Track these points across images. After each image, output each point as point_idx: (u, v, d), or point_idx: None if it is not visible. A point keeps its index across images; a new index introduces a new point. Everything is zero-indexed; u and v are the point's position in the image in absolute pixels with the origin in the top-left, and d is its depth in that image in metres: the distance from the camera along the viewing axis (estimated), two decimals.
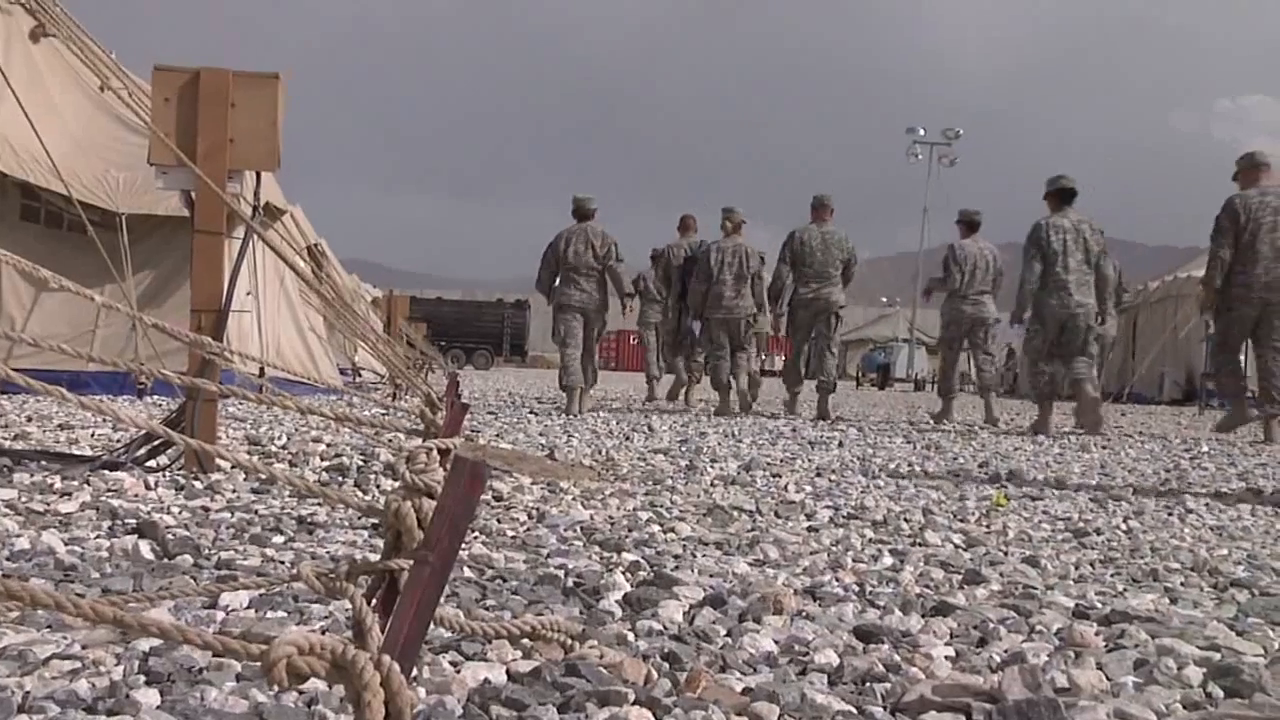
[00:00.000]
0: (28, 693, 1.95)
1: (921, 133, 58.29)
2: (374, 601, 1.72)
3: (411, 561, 1.40)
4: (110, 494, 4.45)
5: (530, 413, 12.08)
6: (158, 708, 1.89)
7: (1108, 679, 2.38)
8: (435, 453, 1.89)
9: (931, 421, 13.33)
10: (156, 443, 5.43)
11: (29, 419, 8.06)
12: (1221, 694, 2.27)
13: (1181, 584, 3.58)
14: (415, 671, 2.14)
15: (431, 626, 2.42)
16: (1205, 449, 10.03)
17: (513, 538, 3.92)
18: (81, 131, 11.34)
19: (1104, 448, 9.67)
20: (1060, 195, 11.88)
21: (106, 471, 5.00)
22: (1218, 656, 2.54)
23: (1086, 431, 11.23)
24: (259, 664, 1.26)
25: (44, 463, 5.21)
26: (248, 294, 11.69)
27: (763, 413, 14.21)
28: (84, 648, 2.26)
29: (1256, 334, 10.19)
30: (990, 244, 13.90)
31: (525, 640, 2.34)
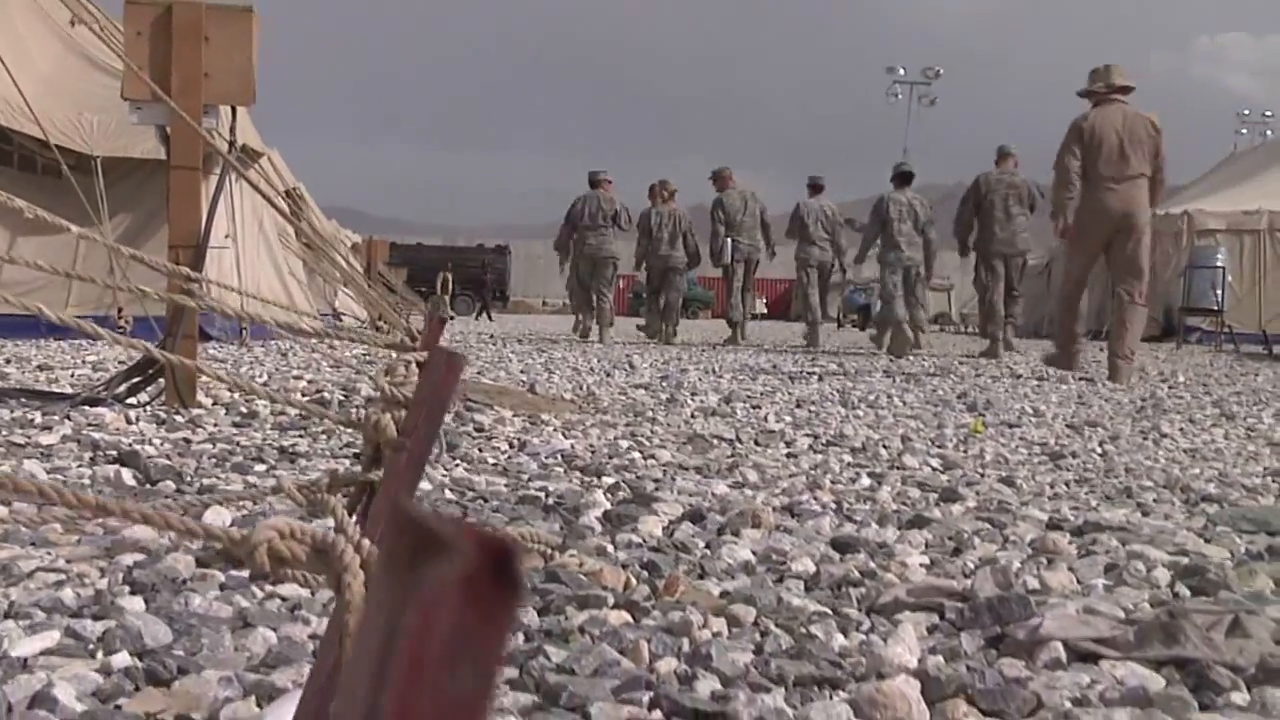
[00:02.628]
0: (13, 601, 1.98)
1: (901, 72, 58.09)
2: (354, 517, 1.74)
3: None
4: (91, 428, 4.46)
5: (510, 352, 12.10)
6: (143, 612, 1.92)
7: (1078, 581, 2.42)
8: (414, 365, 1.91)
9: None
10: (137, 379, 5.43)
11: (7, 361, 8.04)
12: (1188, 593, 2.32)
13: (1154, 500, 3.63)
14: None
15: None
16: (1181, 380, 10.11)
17: (494, 465, 3.94)
18: (52, 72, 11.24)
19: (1081, 379, 9.73)
20: (900, 177, 14.80)
21: (87, 407, 5.00)
22: (1185, 561, 2.58)
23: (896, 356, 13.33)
24: (239, 550, 1.28)
25: (23, 400, 5.21)
26: (226, 237, 11.65)
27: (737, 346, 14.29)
28: (69, 562, 2.29)
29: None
30: (831, 202, 16.67)
31: None
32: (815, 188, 16.64)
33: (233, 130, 5.58)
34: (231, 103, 5.41)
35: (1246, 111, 43.69)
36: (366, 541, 1.37)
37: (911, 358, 13.20)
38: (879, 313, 15.18)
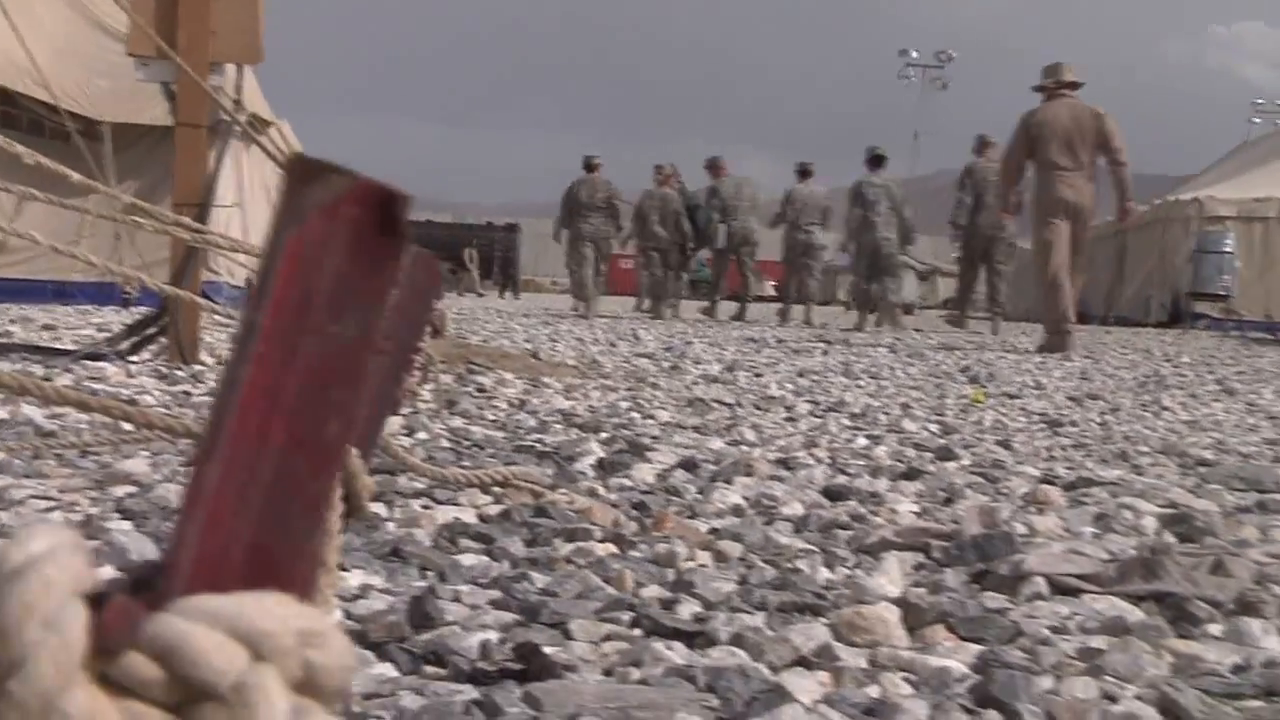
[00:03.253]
0: (3, 524, 1.99)
1: (914, 55, 57.88)
2: None
3: None
4: (92, 380, 4.48)
5: (516, 324, 12.12)
6: (132, 531, 1.93)
7: (1067, 530, 2.43)
8: None
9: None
10: (140, 336, 5.45)
11: (12, 321, 8.07)
12: (1175, 540, 2.33)
13: (1150, 464, 3.63)
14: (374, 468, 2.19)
15: (403, 475, 2.47)
16: (1185, 359, 10.10)
17: (493, 420, 3.96)
18: (62, 38, 11.24)
19: (1085, 357, 9.72)
20: (874, 160, 15.47)
21: (89, 362, 5.02)
22: (1174, 512, 2.59)
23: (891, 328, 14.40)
24: None
25: (26, 355, 5.23)
26: (234, 205, 11.65)
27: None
28: (61, 492, 2.30)
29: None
30: (820, 186, 17.57)
31: (496, 488, 2.38)
32: (804, 173, 17.30)
33: (239, 89, 5.59)
34: (238, 60, 5.41)
35: (1261, 101, 43.44)
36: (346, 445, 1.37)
37: (895, 332, 13.92)
38: (853, 291, 16.42)
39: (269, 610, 0.31)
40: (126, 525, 2.00)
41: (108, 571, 1.68)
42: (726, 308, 18.07)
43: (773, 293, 25.72)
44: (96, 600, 0.31)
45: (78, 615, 0.30)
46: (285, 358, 0.30)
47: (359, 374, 0.31)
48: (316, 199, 0.29)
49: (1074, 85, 10.31)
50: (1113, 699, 1.41)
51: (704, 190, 17.58)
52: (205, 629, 0.30)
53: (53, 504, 2.19)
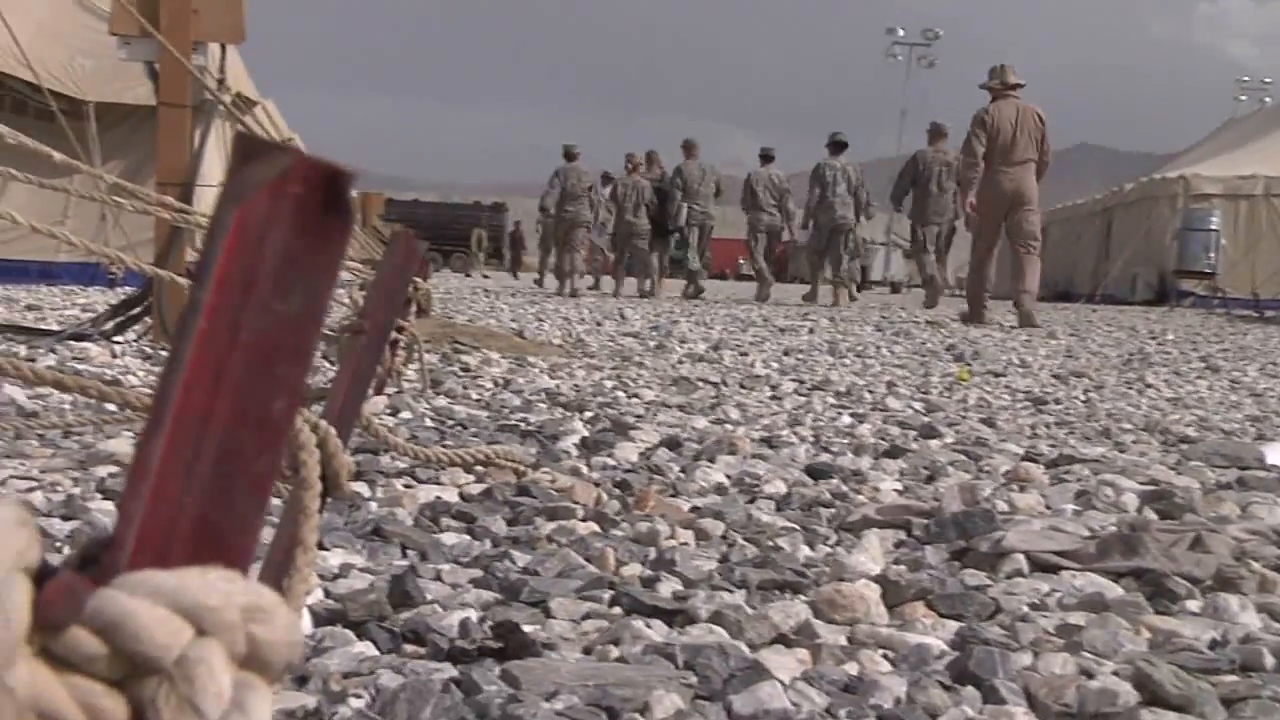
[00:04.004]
0: None
1: (901, 33, 57.77)
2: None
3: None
4: (76, 361, 4.47)
5: (503, 304, 12.11)
6: (113, 511, 1.93)
7: (1048, 507, 2.44)
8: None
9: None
10: (124, 316, 5.43)
11: None
12: (1155, 517, 2.34)
13: (1133, 441, 3.64)
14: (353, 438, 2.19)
15: (385, 455, 2.47)
16: (1170, 337, 10.13)
17: (477, 400, 3.96)
18: (45, 17, 11.18)
19: (1071, 335, 9.74)
20: (834, 145, 16.77)
21: (73, 342, 5.01)
22: (1155, 489, 2.60)
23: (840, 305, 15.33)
24: None
25: (10, 335, 5.22)
26: (219, 184, 11.61)
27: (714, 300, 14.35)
28: (43, 472, 2.30)
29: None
30: (780, 171, 18.17)
31: (479, 467, 2.38)
32: (765, 158, 18.25)
33: (222, 69, 5.56)
34: (221, 40, 5.39)
35: (1246, 78, 43.45)
36: (323, 423, 1.38)
37: (846, 306, 14.80)
38: (809, 264, 17.75)
39: (213, 585, 0.31)
40: (108, 505, 2.01)
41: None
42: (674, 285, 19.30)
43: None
44: (41, 576, 0.31)
45: (20, 590, 0.30)
46: (229, 334, 0.31)
47: (305, 351, 0.32)
48: (260, 176, 0.29)
49: (1017, 86, 11.24)
50: (1090, 675, 1.41)
51: (671, 170, 18.41)
52: (148, 604, 0.30)
53: (34, 484, 2.19)
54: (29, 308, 7.56)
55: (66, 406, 3.31)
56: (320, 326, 0.31)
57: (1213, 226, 19.96)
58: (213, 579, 0.31)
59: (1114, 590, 1.78)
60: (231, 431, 0.31)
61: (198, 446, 0.31)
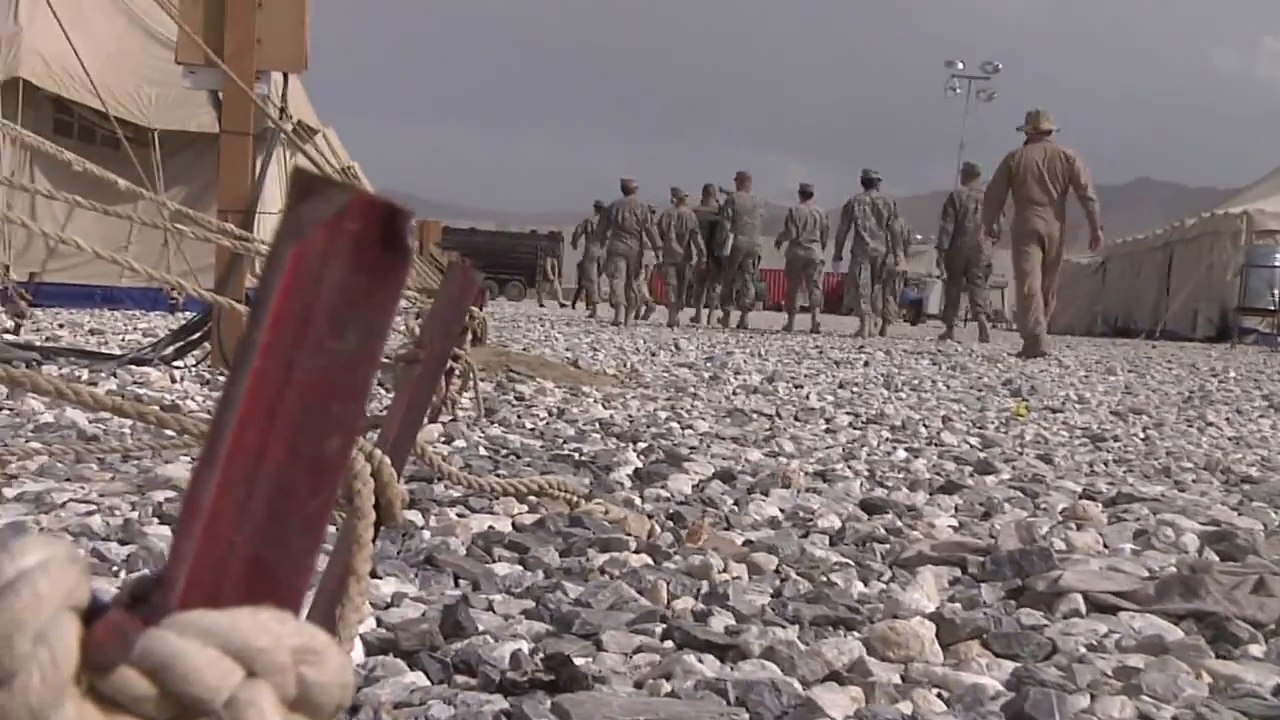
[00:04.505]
0: (43, 527, 2.01)
1: (960, 66, 57.64)
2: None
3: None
4: (136, 385, 4.52)
5: (558, 333, 12.14)
6: (169, 536, 1.94)
7: (1105, 546, 2.41)
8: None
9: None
10: (184, 341, 5.50)
11: (60, 325, 8.16)
12: (1216, 559, 2.30)
13: (1193, 480, 3.59)
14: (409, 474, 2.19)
15: (439, 483, 2.48)
16: (1232, 374, 9.99)
17: (531, 429, 3.96)
18: (113, 46, 11.37)
19: (1130, 371, 9.64)
20: (866, 182, 17.61)
21: (134, 367, 5.07)
22: (1216, 529, 2.56)
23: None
24: None
25: (73, 359, 5.29)
26: (279, 212, 11.73)
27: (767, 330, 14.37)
28: (101, 496, 2.32)
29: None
30: (820, 208, 18.80)
31: (531, 497, 2.38)
32: (805, 194, 18.83)
33: (284, 97, 5.63)
34: (284, 69, 5.45)
35: None
36: (378, 452, 1.38)
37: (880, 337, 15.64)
38: (847, 298, 18.87)
39: (264, 626, 0.31)
40: (165, 530, 2.02)
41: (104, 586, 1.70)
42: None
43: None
44: (90, 614, 0.31)
45: (69, 629, 0.30)
46: (284, 373, 0.30)
47: (361, 390, 0.31)
48: (317, 214, 0.29)
49: (1048, 132, 12.00)
50: (1149, 719, 1.39)
51: (724, 199, 19.17)
52: (199, 645, 0.30)
53: (93, 508, 2.21)
54: (92, 332, 7.67)
55: (126, 431, 3.34)
56: (376, 365, 0.31)
57: (1276, 263, 19.71)
58: (264, 619, 0.31)
59: (1174, 633, 1.75)
60: (285, 470, 0.31)
61: (251, 485, 0.31)
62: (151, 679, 0.30)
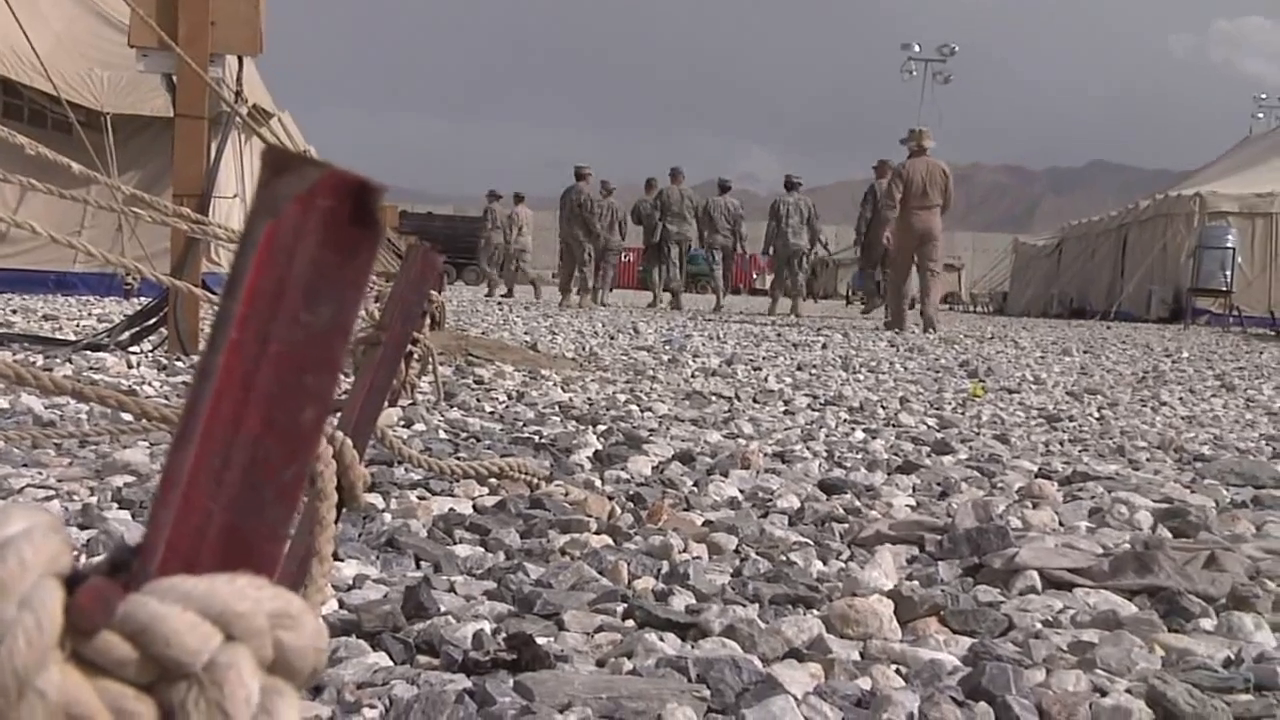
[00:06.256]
0: None
1: (917, 49, 57.73)
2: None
3: None
4: (92, 370, 4.49)
5: (516, 316, 12.13)
6: (129, 520, 1.94)
7: (1061, 523, 2.44)
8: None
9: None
10: (139, 327, 5.46)
11: (13, 311, 8.08)
12: (1169, 535, 2.33)
13: (1147, 459, 3.63)
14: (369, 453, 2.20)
15: (399, 466, 2.48)
16: (1185, 355, 10.11)
17: (490, 413, 3.96)
18: (63, 28, 11.24)
19: (1085, 353, 9.73)
20: (788, 185, 19.68)
21: (90, 352, 5.03)
22: (1169, 506, 2.60)
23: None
24: None
25: (26, 345, 5.24)
26: (234, 196, 11.66)
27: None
28: (59, 481, 2.31)
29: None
30: (734, 200, 20.87)
31: (492, 480, 2.39)
32: (723, 188, 20.97)
33: (239, 80, 5.59)
34: (238, 52, 5.41)
35: (1264, 95, 43.29)
36: (340, 434, 1.39)
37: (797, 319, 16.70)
38: (771, 285, 20.31)
39: (242, 592, 0.32)
40: (124, 514, 2.01)
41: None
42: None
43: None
44: (72, 582, 0.31)
45: (53, 594, 0.30)
46: (259, 345, 0.31)
47: (333, 362, 0.32)
48: (290, 189, 0.30)
49: (927, 148, 14.06)
50: (1103, 692, 1.41)
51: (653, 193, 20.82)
52: (178, 609, 0.31)
53: (51, 493, 2.20)
54: (45, 317, 7.60)
55: (83, 416, 3.33)
56: (348, 338, 0.31)
57: (1229, 244, 19.92)
58: (241, 585, 0.32)
59: (1127, 608, 1.78)
60: (260, 441, 0.32)
61: (227, 455, 0.32)
62: (133, 643, 0.31)
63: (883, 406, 4.83)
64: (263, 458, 0.32)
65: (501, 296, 22.22)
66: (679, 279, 20.58)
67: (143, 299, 10.77)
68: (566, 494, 2.37)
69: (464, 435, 3.29)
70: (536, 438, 3.29)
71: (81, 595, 0.31)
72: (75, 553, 1.67)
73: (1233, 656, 1.57)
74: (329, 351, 0.31)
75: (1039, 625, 1.70)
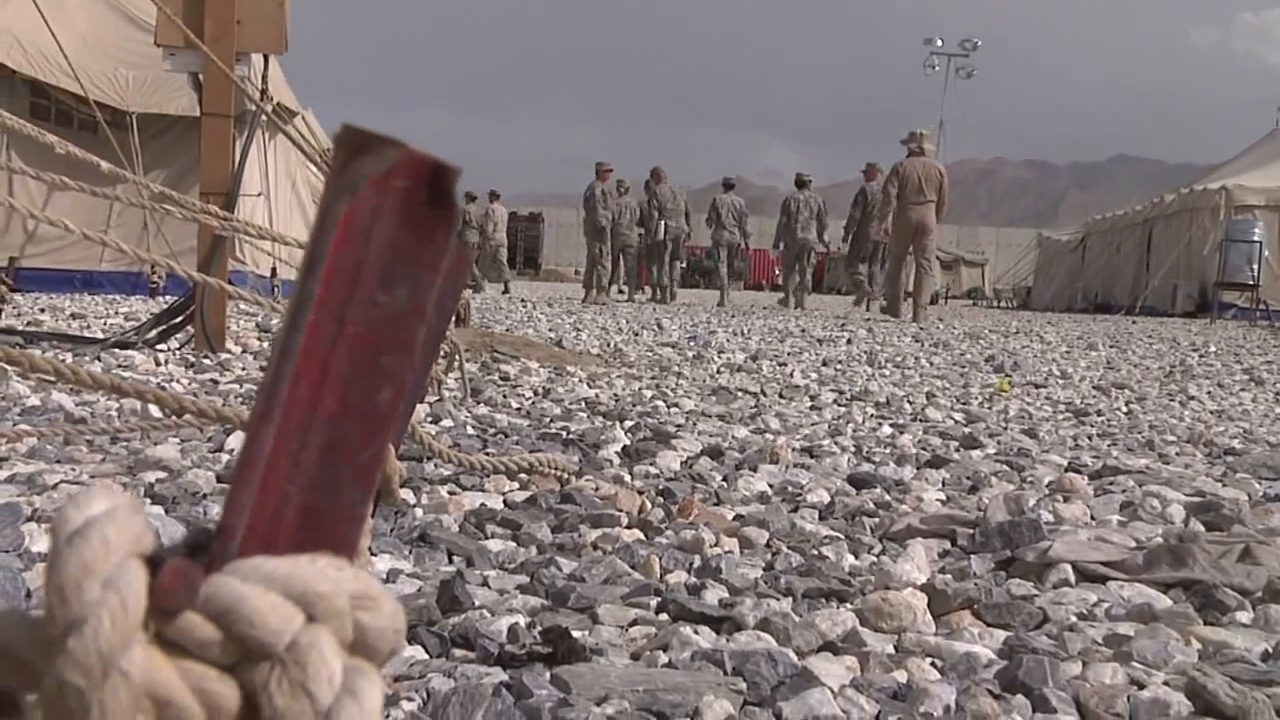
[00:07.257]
0: (36, 508, 2.01)
1: (939, 44, 57.55)
2: None
3: None
4: (121, 368, 4.51)
5: (540, 314, 12.13)
6: (163, 515, 1.95)
7: (1093, 517, 2.43)
8: None
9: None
10: (167, 325, 5.48)
11: (42, 310, 8.12)
12: (1202, 529, 2.32)
13: (1176, 453, 3.61)
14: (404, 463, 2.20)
15: (429, 462, 2.48)
16: (1212, 349, 10.05)
17: (517, 408, 3.97)
18: (89, 29, 11.29)
19: (1111, 347, 9.68)
20: (799, 183, 20.55)
21: (118, 350, 5.06)
22: (1201, 500, 2.58)
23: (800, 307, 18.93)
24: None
25: (56, 343, 5.27)
26: (259, 195, 11.69)
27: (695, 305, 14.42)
28: (92, 477, 2.32)
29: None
30: (739, 198, 21.66)
31: (522, 475, 2.39)
32: (727, 186, 21.88)
33: (264, 79, 5.61)
34: (263, 50, 5.43)
35: None
36: None
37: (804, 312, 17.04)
38: (783, 279, 21.25)
39: (322, 573, 0.32)
40: (157, 510, 2.02)
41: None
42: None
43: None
44: (153, 563, 0.31)
45: (137, 575, 0.30)
46: (337, 326, 0.31)
47: (410, 343, 0.32)
48: (368, 170, 0.30)
49: (925, 149, 15.14)
50: (1140, 685, 1.41)
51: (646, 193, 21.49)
52: (261, 590, 0.31)
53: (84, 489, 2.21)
54: (73, 316, 7.64)
55: (113, 413, 3.34)
56: (424, 320, 0.31)
57: (1255, 238, 19.79)
58: (322, 566, 0.32)
59: (1162, 601, 1.77)
60: (338, 422, 0.32)
61: (305, 437, 0.32)
62: (216, 623, 0.31)
63: (909, 401, 4.82)
64: (340, 439, 0.32)
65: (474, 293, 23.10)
66: (673, 274, 21.14)
67: (168, 297, 10.83)
68: (597, 489, 2.37)
69: (492, 431, 3.29)
70: (564, 433, 3.29)
71: (165, 576, 0.31)
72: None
73: (1270, 650, 1.56)
74: (405, 333, 0.31)
75: (1073, 618, 1.69)
